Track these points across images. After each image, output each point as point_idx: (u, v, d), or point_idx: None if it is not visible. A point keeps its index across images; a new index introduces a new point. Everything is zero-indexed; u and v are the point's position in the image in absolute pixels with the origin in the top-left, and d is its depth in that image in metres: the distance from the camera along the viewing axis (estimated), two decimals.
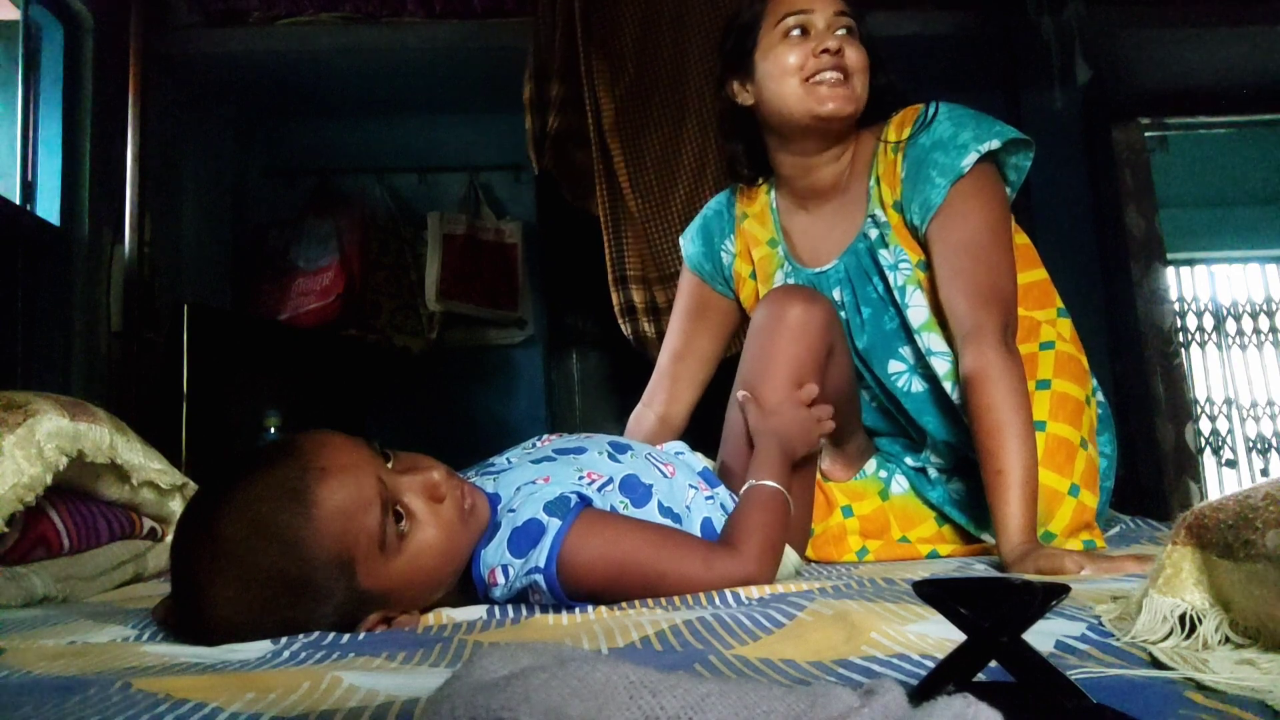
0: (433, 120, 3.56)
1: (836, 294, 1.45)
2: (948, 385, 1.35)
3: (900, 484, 1.45)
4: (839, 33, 1.39)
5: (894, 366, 1.41)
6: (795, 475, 1.21)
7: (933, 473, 1.44)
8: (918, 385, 1.40)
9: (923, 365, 1.39)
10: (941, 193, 1.32)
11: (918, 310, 1.38)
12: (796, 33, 1.39)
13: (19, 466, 1.14)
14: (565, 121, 2.65)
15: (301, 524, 0.82)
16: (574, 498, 1.00)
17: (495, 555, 0.97)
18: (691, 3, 2.63)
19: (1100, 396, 1.50)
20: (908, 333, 1.39)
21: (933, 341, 1.36)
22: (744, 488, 1.15)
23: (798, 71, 1.38)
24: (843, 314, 1.43)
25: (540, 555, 0.95)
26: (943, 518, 1.43)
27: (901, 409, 1.42)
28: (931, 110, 1.38)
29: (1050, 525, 1.32)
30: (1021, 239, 1.46)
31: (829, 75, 1.37)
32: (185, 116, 3.07)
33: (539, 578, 0.95)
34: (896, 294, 1.39)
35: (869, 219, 1.42)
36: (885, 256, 1.40)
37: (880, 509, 1.44)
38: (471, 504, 0.97)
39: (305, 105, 3.44)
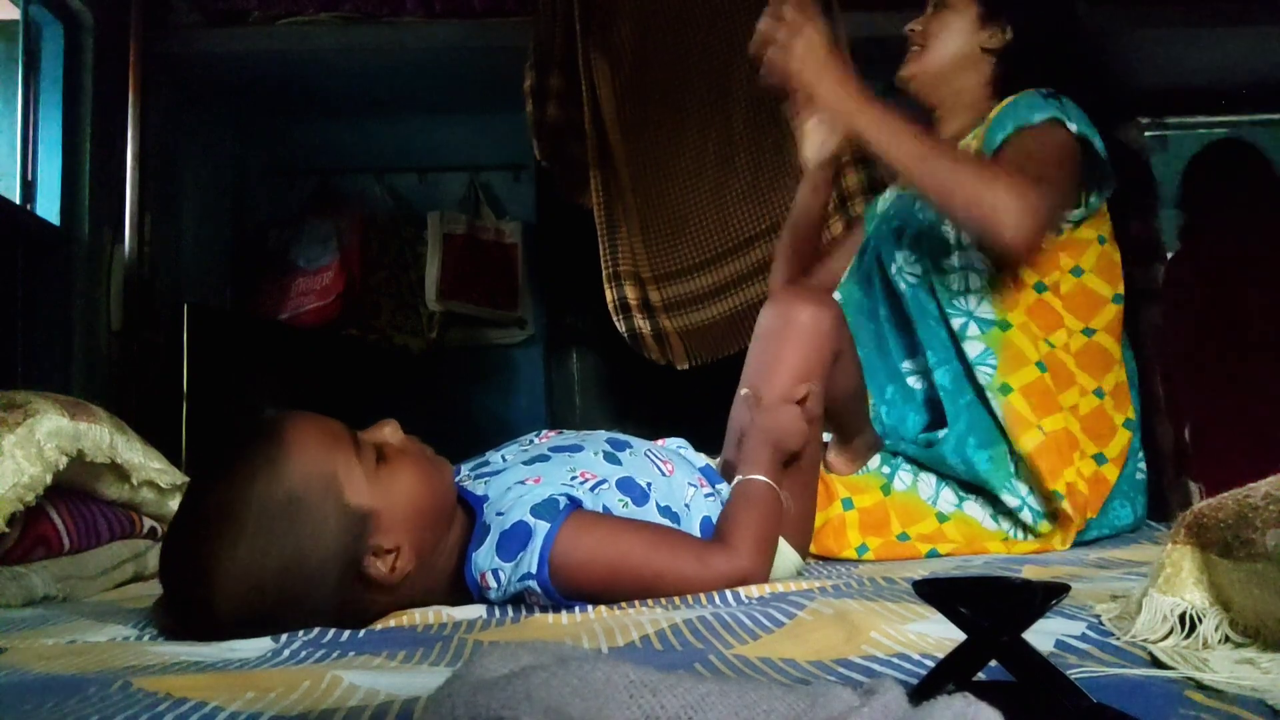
0: (433, 120, 3.55)
1: None
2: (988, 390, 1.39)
3: (903, 480, 1.46)
4: (929, 11, 1.60)
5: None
6: (794, 474, 1.21)
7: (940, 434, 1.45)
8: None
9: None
10: (1005, 132, 1.41)
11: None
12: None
13: (19, 466, 1.14)
14: (564, 114, 2.65)
15: (278, 454, 0.85)
16: (563, 499, 1.00)
17: (486, 559, 0.97)
18: (691, 3, 2.63)
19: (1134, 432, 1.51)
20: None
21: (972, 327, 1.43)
22: (733, 483, 1.14)
23: None
24: None
25: (531, 560, 0.95)
26: (943, 515, 1.43)
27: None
28: (1044, 92, 1.46)
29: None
30: (1115, 255, 1.60)
31: (911, 49, 1.60)
32: (185, 116, 3.06)
33: (532, 583, 0.95)
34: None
35: None
36: None
37: (881, 503, 1.45)
38: (433, 453, 1.01)
39: (305, 105, 3.44)
